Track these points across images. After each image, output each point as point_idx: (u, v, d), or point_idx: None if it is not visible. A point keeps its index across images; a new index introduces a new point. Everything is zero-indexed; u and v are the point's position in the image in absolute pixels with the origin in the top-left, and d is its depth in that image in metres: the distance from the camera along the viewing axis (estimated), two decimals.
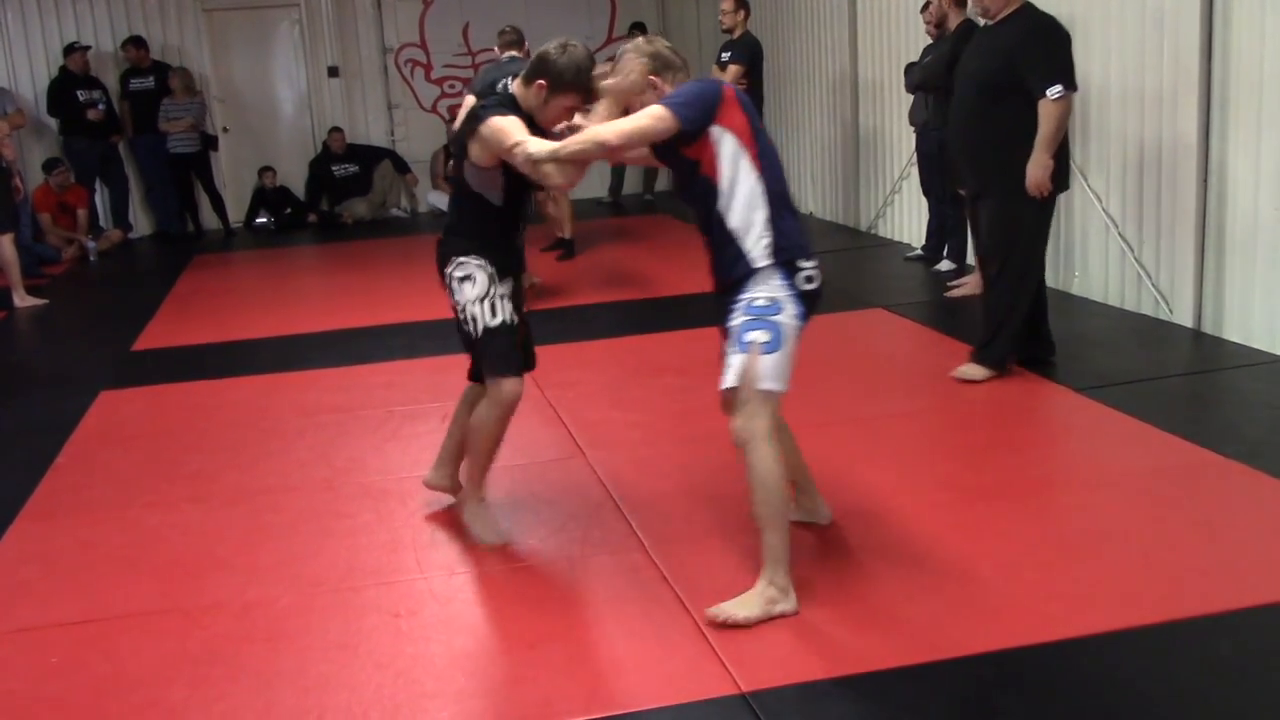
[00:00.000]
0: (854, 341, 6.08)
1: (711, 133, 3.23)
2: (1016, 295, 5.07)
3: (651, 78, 3.35)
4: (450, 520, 3.95)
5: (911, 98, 7.62)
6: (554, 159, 3.33)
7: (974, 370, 5.09)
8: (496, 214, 3.67)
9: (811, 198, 10.21)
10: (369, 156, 12.09)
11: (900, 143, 8.56)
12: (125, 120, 11.34)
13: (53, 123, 11.13)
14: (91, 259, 10.43)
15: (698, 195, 3.30)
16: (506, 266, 3.69)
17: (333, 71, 12.35)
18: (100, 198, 11.44)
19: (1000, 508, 3.74)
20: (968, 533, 3.64)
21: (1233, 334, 5.54)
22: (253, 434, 5.06)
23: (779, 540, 3.19)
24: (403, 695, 2.90)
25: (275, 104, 12.42)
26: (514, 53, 7.32)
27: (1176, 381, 5.05)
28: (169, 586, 3.60)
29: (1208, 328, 5.70)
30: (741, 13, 8.28)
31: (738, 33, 8.27)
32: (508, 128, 3.44)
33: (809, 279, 3.27)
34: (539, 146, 3.36)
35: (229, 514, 4.16)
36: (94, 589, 3.60)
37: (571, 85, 3.51)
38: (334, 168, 11.90)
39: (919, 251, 7.97)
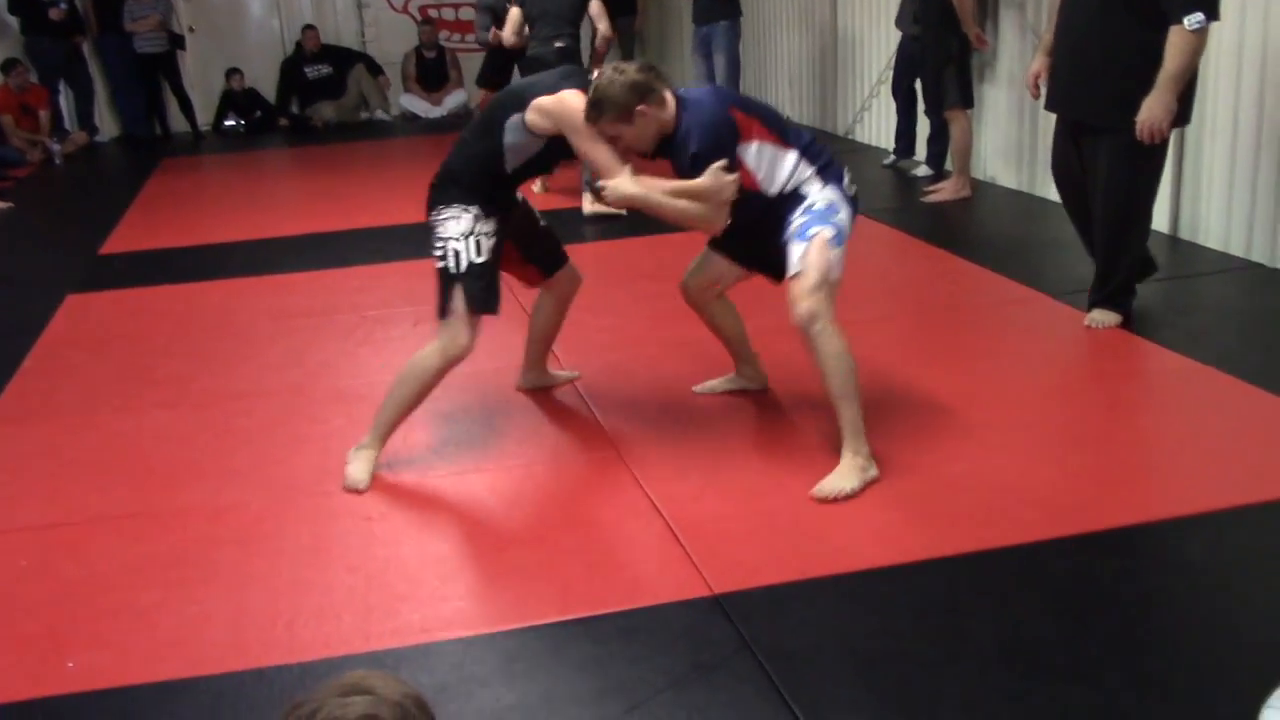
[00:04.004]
0: None
1: (741, 156, 3.37)
2: (1142, 234, 4.54)
3: (640, 109, 3.33)
4: (421, 425, 3.93)
5: (899, 1, 7.49)
6: (635, 203, 3.37)
7: (1107, 316, 4.51)
8: (502, 179, 3.55)
9: (788, 101, 10.08)
10: (343, 59, 11.87)
11: (878, 46, 8.44)
12: (89, 19, 11.07)
13: (14, 22, 10.85)
14: (56, 161, 10.27)
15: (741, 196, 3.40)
16: (496, 208, 3.56)
17: None
18: (65, 99, 11.21)
19: (975, 413, 3.74)
20: (941, 438, 3.65)
21: (1209, 240, 5.53)
22: (223, 338, 5.02)
23: (857, 413, 3.35)
24: (375, 598, 2.90)
25: (242, 3, 12.15)
26: None
27: (1151, 287, 5.04)
28: (139, 491, 3.58)
29: (1184, 233, 5.68)
30: None
31: None
32: (602, 145, 3.37)
33: (850, 182, 3.54)
34: (629, 186, 3.34)
35: (200, 418, 4.13)
36: (63, 493, 3.58)
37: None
38: (306, 68, 11.68)
39: (894, 158, 7.92)
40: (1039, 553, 2.96)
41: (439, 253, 3.52)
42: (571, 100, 3.36)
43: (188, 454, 3.83)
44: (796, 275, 3.34)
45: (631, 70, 3.32)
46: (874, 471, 3.35)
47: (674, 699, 2.43)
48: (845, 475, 3.31)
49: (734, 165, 3.33)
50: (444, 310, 3.52)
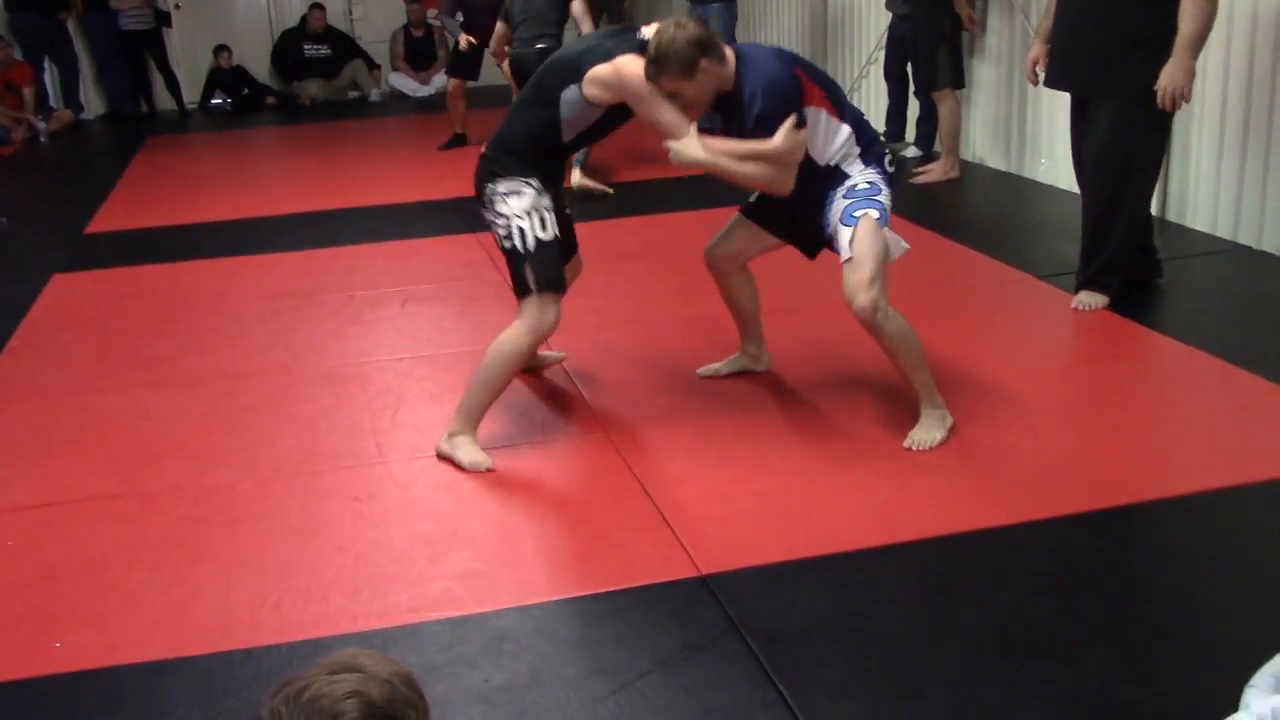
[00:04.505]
0: None
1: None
2: (1136, 213, 4.48)
3: (702, 64, 3.29)
4: (410, 407, 3.93)
5: None
6: (701, 167, 3.33)
7: (1093, 298, 4.49)
8: (559, 149, 3.52)
9: None
10: (343, 46, 11.83)
11: (869, 26, 8.42)
12: None
13: None
14: (42, 139, 10.21)
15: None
16: (550, 181, 3.53)
17: None
18: (49, 77, 11.13)
19: (961, 395, 3.74)
20: None
21: (1197, 222, 5.54)
22: (211, 318, 5.00)
23: (928, 376, 3.50)
24: (363, 578, 2.90)
25: None
26: None
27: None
28: (127, 471, 3.57)
29: (1172, 215, 5.69)
30: None
31: None
32: (672, 109, 3.32)
33: (891, 162, 3.55)
34: (695, 150, 3.30)
35: (187, 398, 4.12)
36: (50, 473, 3.57)
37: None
38: (306, 46, 11.63)
39: (885, 140, 7.90)
40: (1026, 534, 2.97)
41: (503, 231, 3.44)
42: (629, 67, 3.30)
43: (175, 434, 3.82)
44: (851, 266, 3.34)
45: (691, 25, 3.27)
46: (951, 419, 3.50)
47: (662, 679, 2.44)
48: (929, 427, 3.47)
49: (802, 123, 3.29)
50: (522, 289, 3.45)
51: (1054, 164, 6.57)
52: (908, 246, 3.52)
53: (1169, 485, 3.19)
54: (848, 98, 3.58)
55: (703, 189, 6.60)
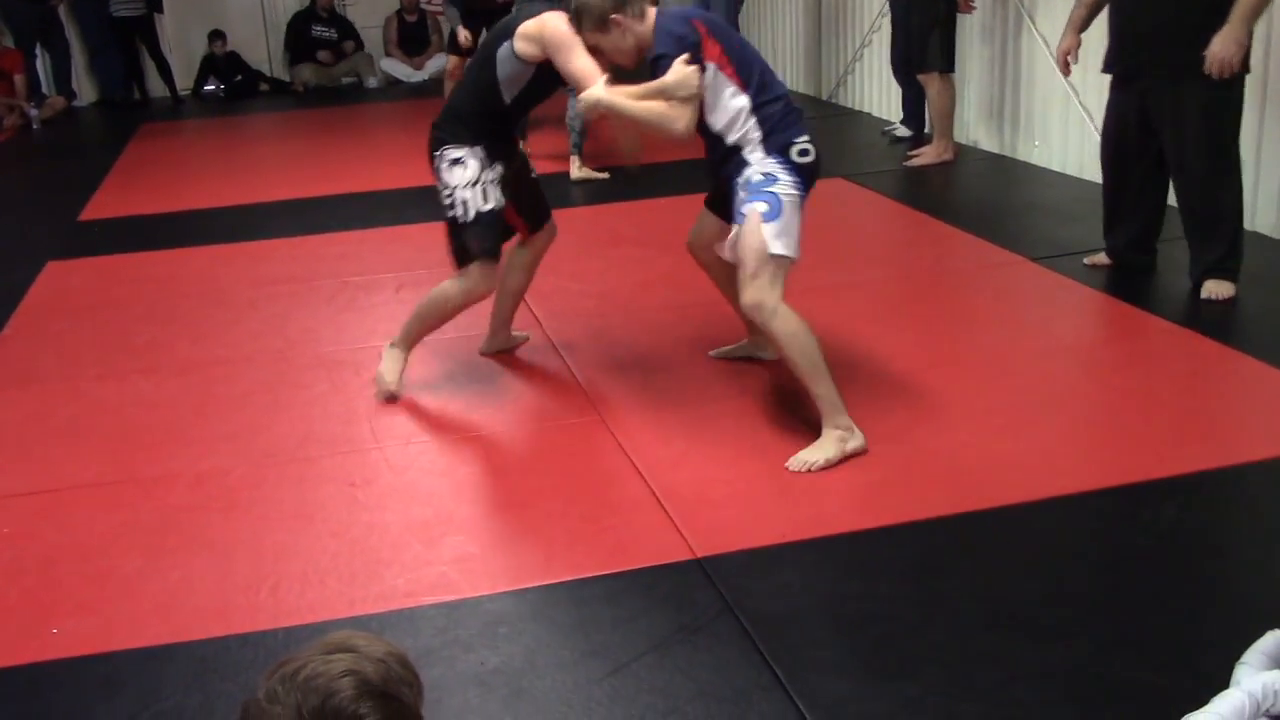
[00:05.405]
0: (812, 212, 6.03)
1: None
2: (1239, 187, 4.40)
3: (614, 18, 3.37)
4: (405, 390, 3.93)
5: None
6: (603, 109, 3.33)
7: (1224, 287, 4.34)
8: (502, 113, 3.62)
9: (771, 65, 10.02)
10: (349, 32, 11.82)
11: (863, 8, 8.41)
12: None
13: None
14: (34, 127, 10.16)
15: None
16: (499, 152, 3.64)
17: None
18: (41, 64, 11.09)
19: (952, 377, 3.76)
20: (921, 402, 3.66)
21: None
22: (204, 305, 4.99)
23: (827, 388, 3.29)
24: (359, 563, 2.91)
25: None
26: None
27: None
28: (121, 457, 3.57)
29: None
30: None
31: None
32: (586, 59, 3.37)
33: (802, 152, 3.37)
34: (597, 93, 3.31)
35: (181, 385, 4.12)
36: (44, 460, 3.57)
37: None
38: (316, 26, 11.63)
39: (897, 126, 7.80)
40: (1018, 515, 2.98)
41: (447, 201, 3.59)
42: (552, 20, 3.44)
43: (169, 420, 3.82)
44: (737, 263, 3.32)
45: None
46: (856, 442, 3.28)
47: (657, 661, 2.45)
48: (820, 448, 3.27)
49: (698, 62, 3.28)
50: (460, 258, 3.64)
51: (1047, 146, 6.57)
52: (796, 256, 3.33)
53: (1160, 466, 3.20)
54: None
55: (697, 174, 6.62)
